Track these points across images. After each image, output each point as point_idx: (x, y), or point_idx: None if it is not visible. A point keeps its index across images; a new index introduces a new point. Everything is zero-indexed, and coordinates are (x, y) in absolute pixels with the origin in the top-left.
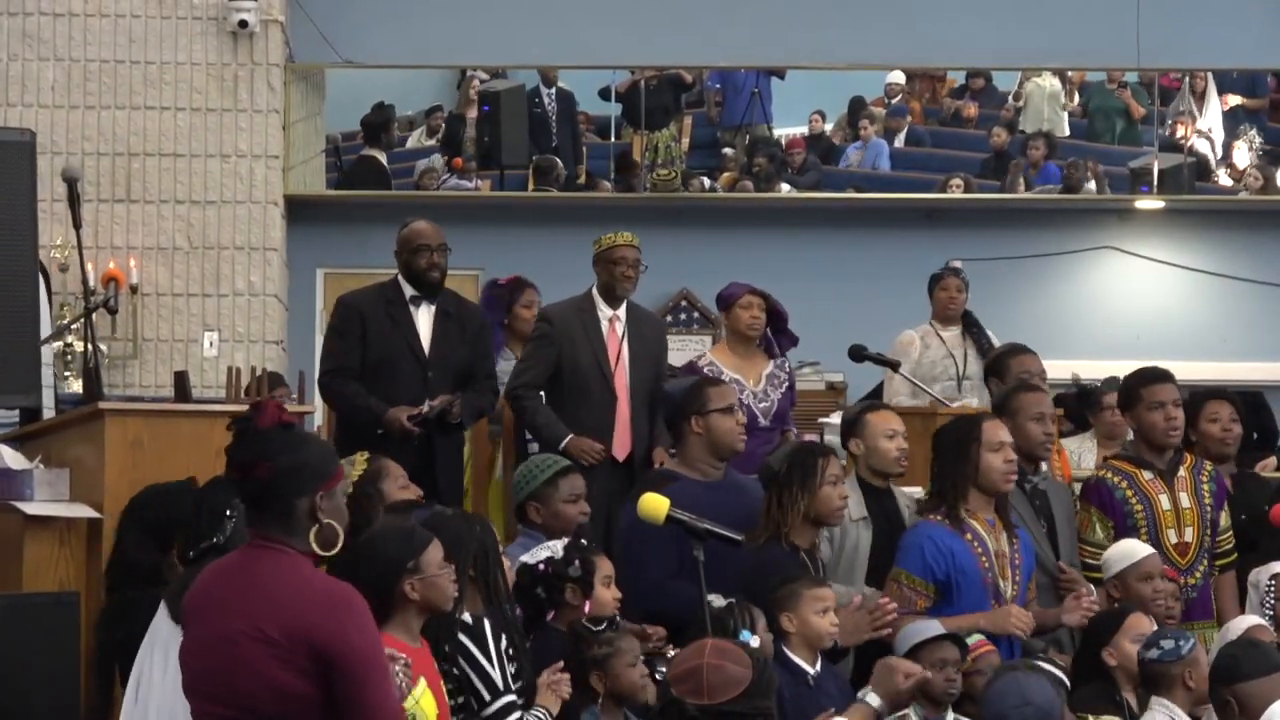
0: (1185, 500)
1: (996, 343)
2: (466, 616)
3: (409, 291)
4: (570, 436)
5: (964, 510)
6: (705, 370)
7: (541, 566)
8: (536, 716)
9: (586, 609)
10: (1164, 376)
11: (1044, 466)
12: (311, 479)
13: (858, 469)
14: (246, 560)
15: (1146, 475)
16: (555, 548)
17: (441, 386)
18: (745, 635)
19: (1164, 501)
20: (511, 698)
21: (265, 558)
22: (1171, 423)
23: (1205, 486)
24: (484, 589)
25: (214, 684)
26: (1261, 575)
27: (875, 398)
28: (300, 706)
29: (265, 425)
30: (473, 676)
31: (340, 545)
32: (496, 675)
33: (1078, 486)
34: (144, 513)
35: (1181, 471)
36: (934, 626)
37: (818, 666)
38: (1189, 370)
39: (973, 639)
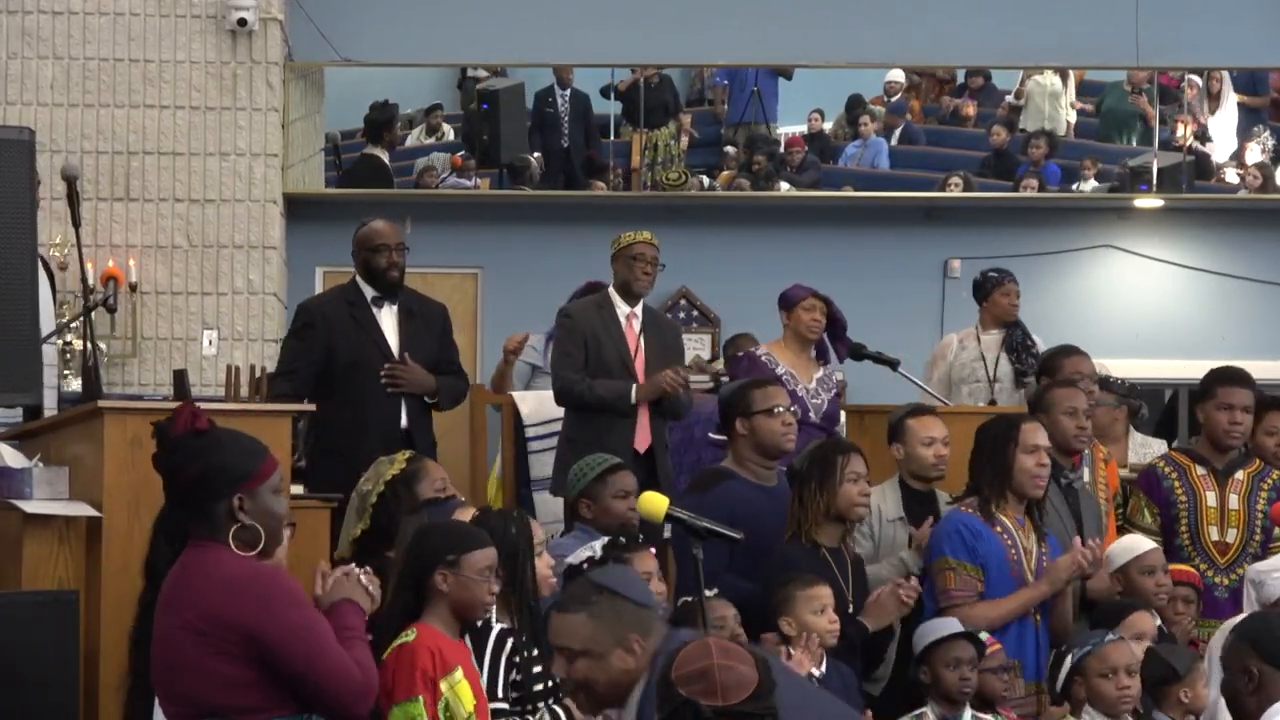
0: (1234, 502)
1: (1040, 344)
2: (496, 627)
3: (370, 293)
4: (635, 384)
5: (996, 507)
6: (762, 359)
7: (584, 567)
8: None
9: None
10: (1242, 380)
11: (1084, 472)
12: (227, 483)
13: (901, 471)
14: (184, 561)
15: (1199, 470)
16: (595, 548)
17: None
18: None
19: (1210, 499)
20: (500, 706)
21: (196, 556)
22: (1236, 426)
23: (1264, 494)
24: (511, 587)
25: (168, 682)
26: (1270, 576)
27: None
28: (243, 691)
29: (177, 432)
30: None
31: (274, 542)
32: (500, 687)
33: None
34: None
35: (1240, 474)
36: (951, 624)
37: (823, 668)
38: (1186, 369)
39: (983, 638)
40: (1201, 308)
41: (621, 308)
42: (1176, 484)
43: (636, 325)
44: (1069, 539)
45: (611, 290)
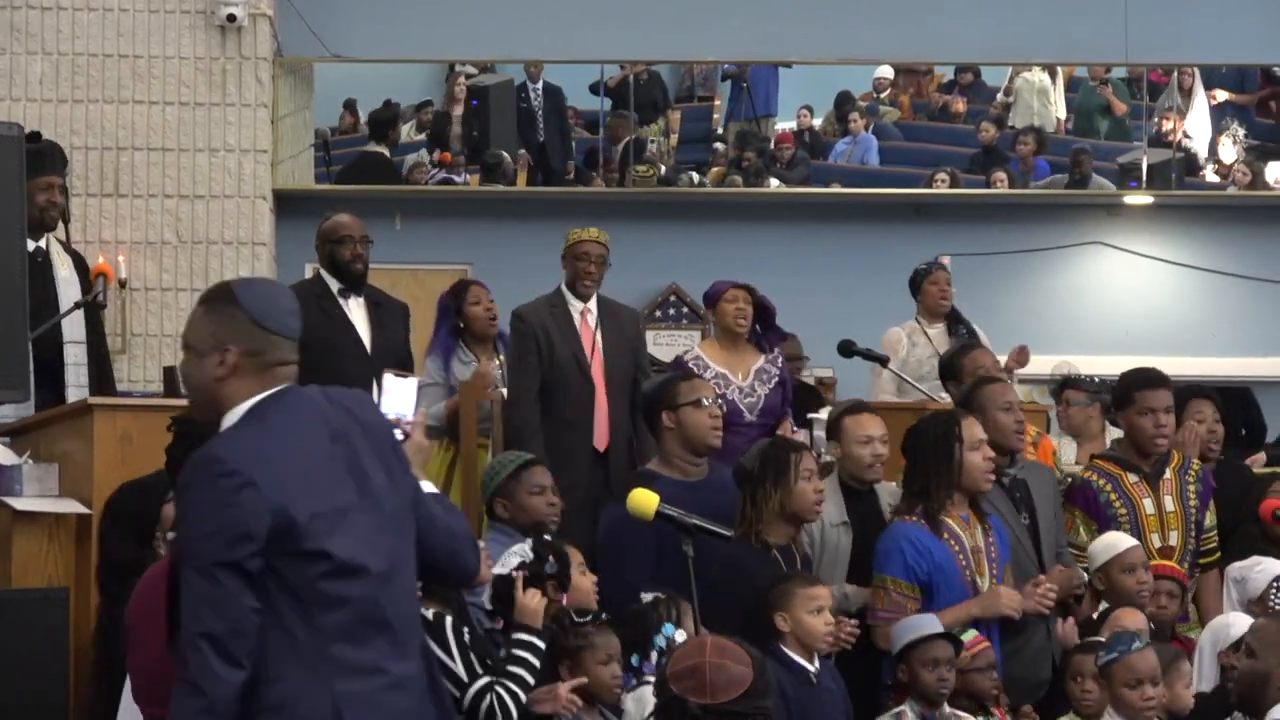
0: (1170, 504)
1: (983, 336)
2: (427, 613)
3: (335, 285)
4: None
5: (944, 510)
6: (690, 364)
7: (515, 574)
8: (509, 688)
9: (564, 601)
10: (1159, 382)
11: (1019, 456)
12: None
13: (839, 471)
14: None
15: (1131, 478)
16: (524, 550)
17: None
18: (669, 630)
19: (1148, 505)
20: (484, 680)
21: None
22: (1161, 430)
23: (1191, 488)
24: None
25: (153, 688)
26: (1251, 573)
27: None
28: None
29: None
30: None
31: None
32: (460, 669)
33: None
34: (121, 510)
35: (1167, 474)
36: (930, 623)
37: (816, 664)
38: (1177, 365)
39: (968, 636)
40: (1191, 304)
41: (575, 305)
42: (1113, 495)
43: (591, 321)
44: (1022, 539)
45: (563, 288)
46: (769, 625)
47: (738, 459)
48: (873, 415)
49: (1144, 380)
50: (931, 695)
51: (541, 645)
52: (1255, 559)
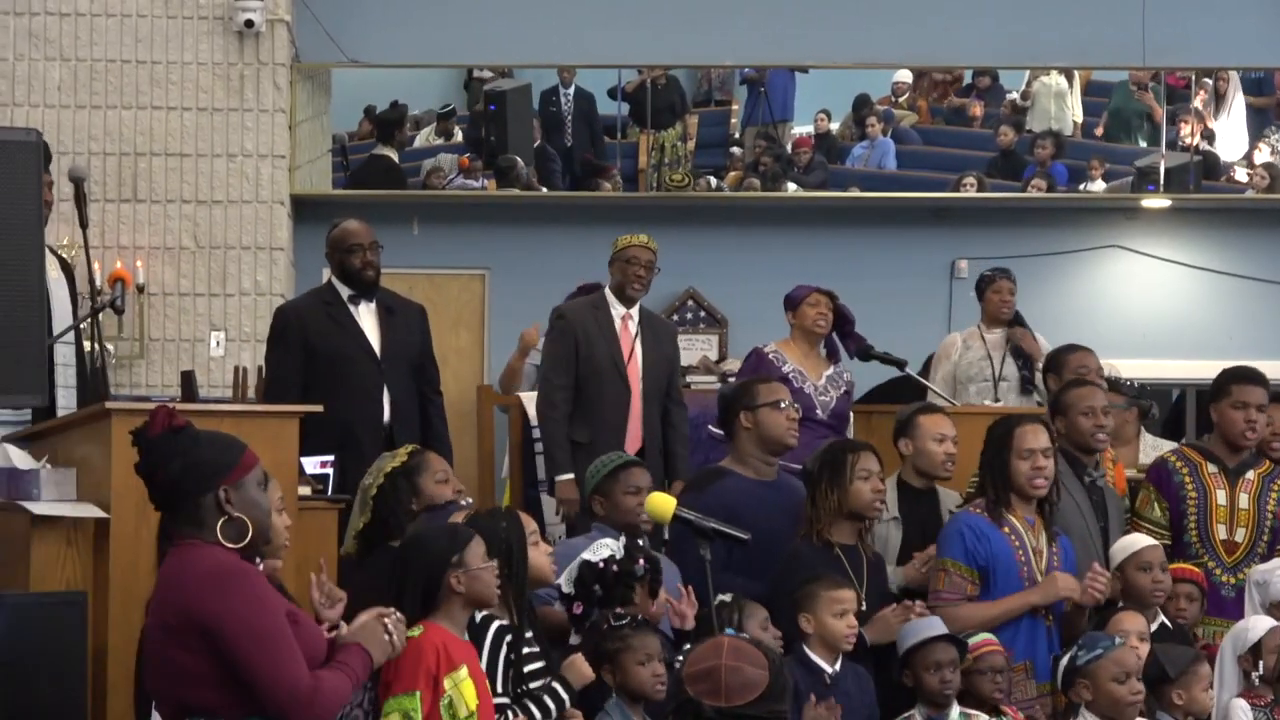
0: (1244, 502)
1: (1043, 343)
2: (476, 615)
3: (346, 292)
4: (560, 477)
5: (1003, 507)
6: (770, 356)
7: (602, 565)
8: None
9: (653, 609)
10: (1256, 379)
11: (1102, 467)
12: (210, 476)
13: (902, 469)
14: (169, 560)
15: (1211, 468)
16: (615, 546)
17: (397, 381)
18: (729, 634)
19: (1220, 497)
20: (501, 699)
21: (181, 554)
22: (1251, 425)
23: (1274, 494)
24: (506, 584)
25: (150, 680)
26: (1273, 576)
27: (884, 394)
28: (199, 684)
29: (155, 434)
30: None
31: (261, 535)
32: (495, 679)
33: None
34: None
35: (1250, 474)
36: (934, 626)
37: (837, 666)
38: (1195, 369)
39: (976, 639)
40: (1209, 307)
41: (617, 309)
42: (1187, 479)
43: (632, 327)
44: (1094, 538)
45: (608, 291)
46: (794, 625)
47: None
48: (945, 415)
49: (1242, 375)
50: (936, 698)
51: (567, 700)
52: (1277, 561)
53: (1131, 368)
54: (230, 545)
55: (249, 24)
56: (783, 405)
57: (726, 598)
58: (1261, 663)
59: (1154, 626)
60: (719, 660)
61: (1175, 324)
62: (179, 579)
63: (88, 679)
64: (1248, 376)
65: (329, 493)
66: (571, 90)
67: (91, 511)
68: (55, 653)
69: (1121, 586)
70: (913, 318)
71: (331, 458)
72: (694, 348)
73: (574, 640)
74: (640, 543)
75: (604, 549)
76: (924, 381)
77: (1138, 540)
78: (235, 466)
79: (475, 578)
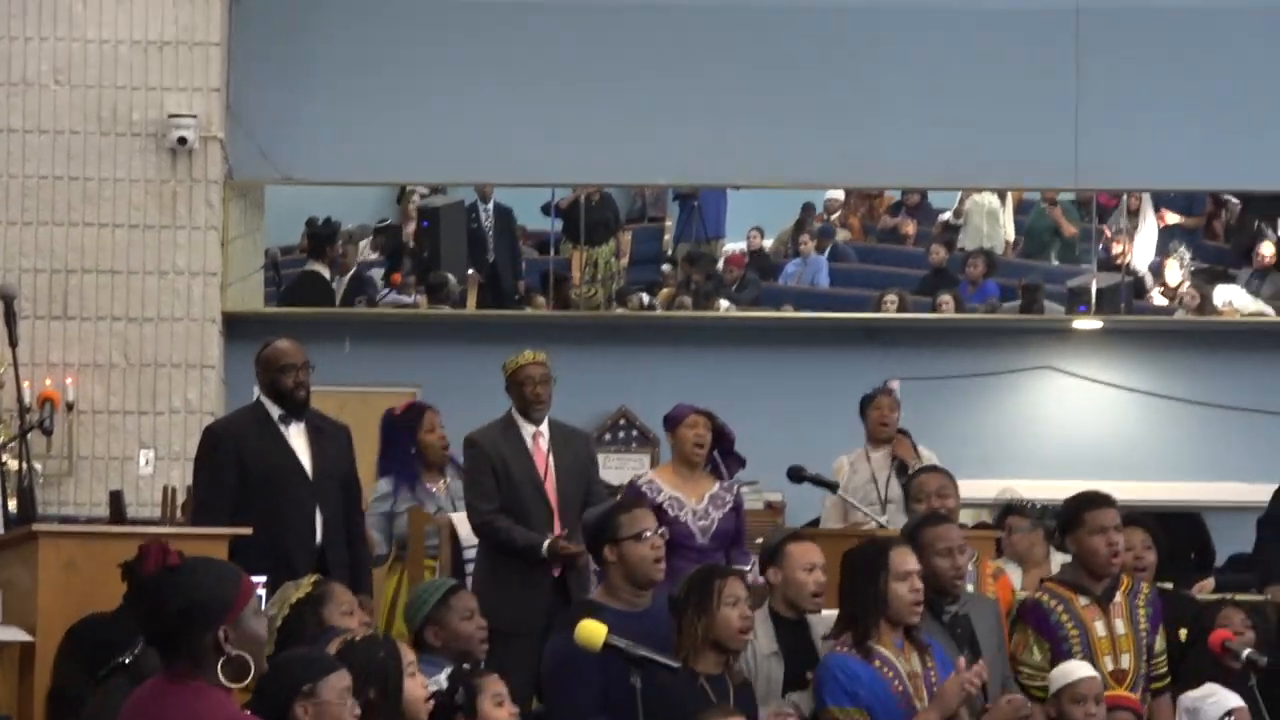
0: (1121, 626)
1: (930, 458)
2: None
3: (276, 411)
4: (549, 538)
5: (872, 637)
6: (644, 488)
7: (429, 701)
8: None
9: None
10: (1107, 501)
11: (969, 587)
12: (211, 615)
13: (772, 599)
14: (160, 695)
15: (1082, 601)
16: (440, 680)
17: (328, 501)
18: None
19: (1099, 628)
20: None
21: (177, 693)
22: (1113, 548)
23: (1142, 611)
24: (382, 713)
25: None
26: (1204, 704)
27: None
28: None
29: (150, 572)
30: None
31: (259, 668)
32: None
33: None
34: (77, 640)
35: (1118, 597)
36: None
37: None
38: (1127, 490)
39: None
40: (1141, 429)
41: (526, 428)
42: (1064, 616)
43: (544, 444)
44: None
45: (513, 413)
46: None
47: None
48: (813, 543)
49: (1092, 500)
50: None
51: None
52: (1209, 688)
53: (1062, 488)
54: (230, 684)
55: (182, 141)
56: (646, 535)
57: None
58: None
59: None
60: None
61: (1107, 445)
62: None
63: None
64: (1100, 500)
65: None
66: (490, 206)
67: (17, 635)
68: None
69: (1055, 715)
70: (845, 438)
71: (264, 578)
72: (625, 467)
73: None
74: (466, 667)
75: (431, 685)
76: (855, 504)
77: (1076, 670)
78: (235, 603)
79: (323, 711)
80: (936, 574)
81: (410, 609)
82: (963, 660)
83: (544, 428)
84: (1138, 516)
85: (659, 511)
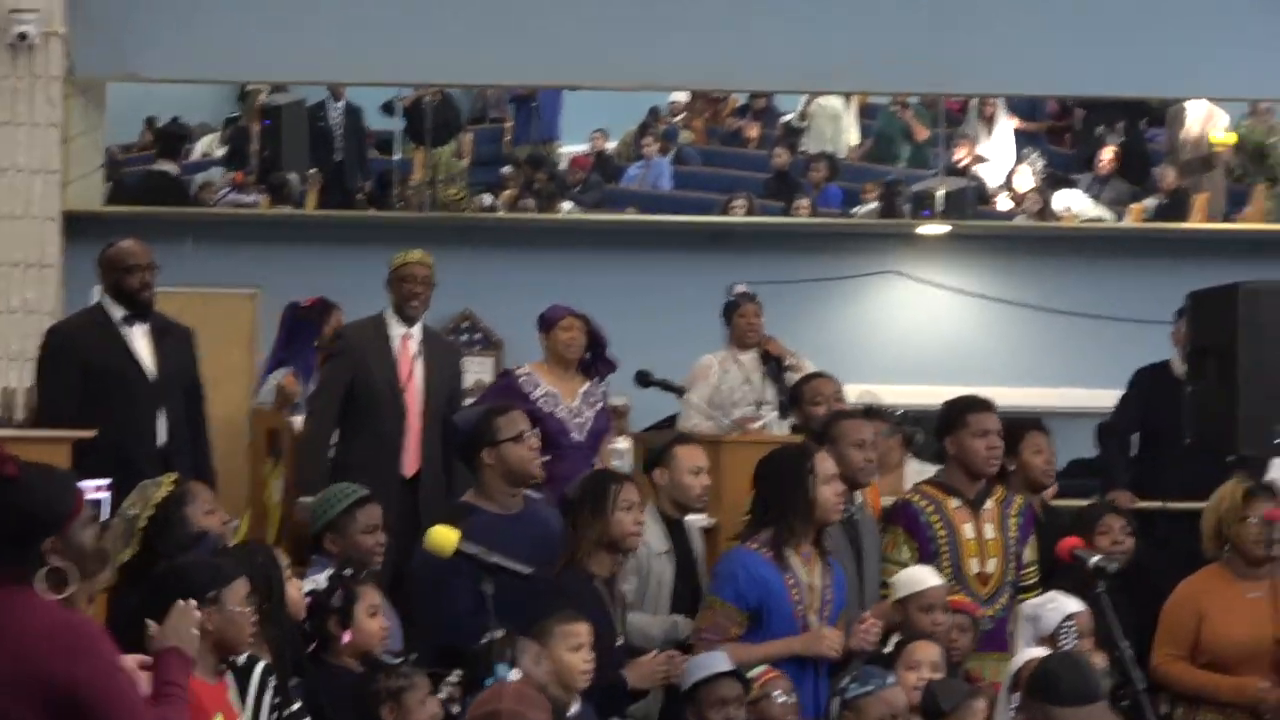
0: (990, 531)
1: (801, 363)
2: (241, 659)
3: (119, 313)
4: (299, 501)
5: (791, 544)
6: (521, 380)
7: (306, 600)
8: None
9: (346, 639)
10: (988, 405)
11: (858, 497)
12: (44, 528)
13: (658, 500)
14: None
15: (954, 503)
16: (319, 580)
17: (172, 404)
18: (502, 670)
19: (968, 531)
20: None
21: (5, 600)
22: (993, 451)
23: (1012, 520)
24: (266, 622)
25: None
26: (1044, 610)
27: (667, 423)
28: None
29: None
30: None
31: (86, 579)
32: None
33: None
34: None
35: (989, 504)
36: (718, 662)
37: (577, 706)
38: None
39: (756, 670)
40: (986, 334)
41: (396, 329)
42: (934, 517)
43: (412, 347)
44: (851, 576)
45: (388, 311)
46: None
47: (564, 489)
48: (699, 446)
49: (975, 404)
50: None
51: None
52: (1049, 595)
53: (908, 394)
54: (51, 595)
55: (22, 37)
56: (525, 437)
57: (499, 634)
58: None
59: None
60: (500, 704)
61: (953, 350)
62: (20, 636)
63: None
64: (980, 404)
65: (106, 518)
66: (341, 104)
67: None
68: None
69: (900, 620)
70: (691, 341)
71: (107, 482)
72: (469, 370)
73: None
74: (348, 572)
75: (308, 584)
76: (704, 408)
77: (924, 578)
78: (67, 516)
79: (229, 619)
80: (850, 465)
81: (315, 510)
82: (867, 615)
83: (416, 330)
84: (1043, 423)
85: (534, 406)
